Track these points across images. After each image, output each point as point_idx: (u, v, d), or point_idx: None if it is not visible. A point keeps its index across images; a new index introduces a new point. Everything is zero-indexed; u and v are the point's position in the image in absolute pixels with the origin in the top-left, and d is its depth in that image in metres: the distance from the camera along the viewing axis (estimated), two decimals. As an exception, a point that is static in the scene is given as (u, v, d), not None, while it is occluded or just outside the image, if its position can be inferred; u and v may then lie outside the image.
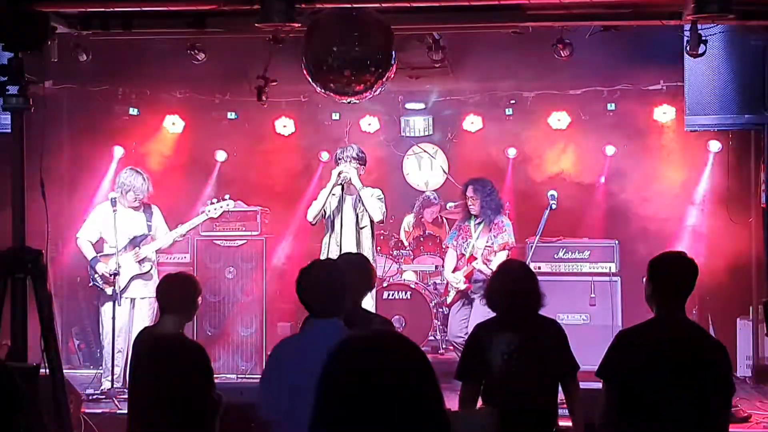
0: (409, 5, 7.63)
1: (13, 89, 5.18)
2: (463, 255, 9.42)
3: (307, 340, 4.65)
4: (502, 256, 9.17)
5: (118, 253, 9.25)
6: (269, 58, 8.53)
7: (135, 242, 9.37)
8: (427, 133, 12.27)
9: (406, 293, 10.81)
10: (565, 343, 5.53)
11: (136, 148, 11.66)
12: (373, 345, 2.13)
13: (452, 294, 9.52)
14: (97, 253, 9.32)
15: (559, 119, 11.65)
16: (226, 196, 9.89)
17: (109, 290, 9.18)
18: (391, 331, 2.23)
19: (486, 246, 9.31)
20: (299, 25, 7.45)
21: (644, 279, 4.88)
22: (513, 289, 5.51)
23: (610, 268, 10.58)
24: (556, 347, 5.49)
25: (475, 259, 9.32)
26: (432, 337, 10.86)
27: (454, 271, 9.52)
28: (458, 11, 7.88)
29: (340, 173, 8.76)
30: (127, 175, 9.44)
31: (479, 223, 9.41)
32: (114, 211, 9.29)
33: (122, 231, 9.31)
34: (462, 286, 9.38)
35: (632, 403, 4.69)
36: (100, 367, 9.47)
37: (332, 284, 4.73)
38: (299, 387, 4.28)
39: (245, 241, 10.91)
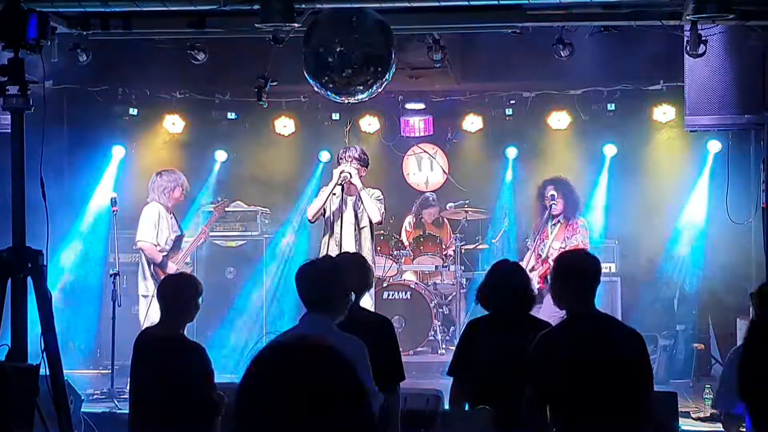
0: (409, 5, 7.63)
1: (13, 89, 5.18)
2: (540, 256, 9.20)
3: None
4: None
5: (113, 256, 9.24)
6: (269, 58, 8.53)
7: (179, 243, 9.35)
8: (427, 133, 12.27)
9: (406, 293, 10.81)
10: None
11: (136, 148, 11.66)
12: (284, 355, 2.01)
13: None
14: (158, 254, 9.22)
15: (559, 119, 11.64)
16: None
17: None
18: (311, 342, 2.06)
19: (561, 247, 9.13)
20: (299, 25, 7.45)
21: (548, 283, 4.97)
22: (503, 287, 5.54)
23: (610, 268, 10.59)
24: None
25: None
26: (432, 337, 10.85)
27: (530, 271, 9.14)
28: (458, 11, 7.88)
29: (341, 173, 8.78)
30: (166, 175, 9.36)
31: (555, 224, 9.24)
32: (114, 212, 9.28)
33: (167, 232, 9.27)
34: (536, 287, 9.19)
35: (556, 403, 4.76)
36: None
37: (328, 280, 4.76)
38: None
39: (245, 241, 10.91)
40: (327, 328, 4.63)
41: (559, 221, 9.23)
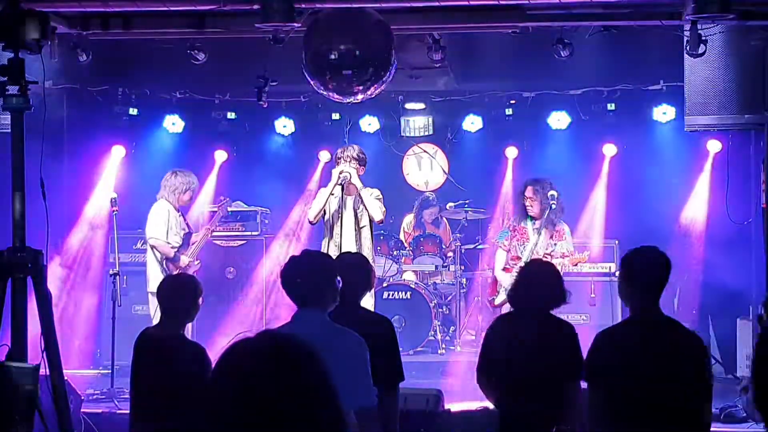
0: (409, 5, 7.64)
1: (13, 89, 5.19)
2: (518, 257, 8.91)
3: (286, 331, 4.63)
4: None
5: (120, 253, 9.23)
6: (269, 58, 8.53)
7: (187, 240, 9.34)
8: (427, 133, 12.27)
9: (406, 293, 10.81)
10: (576, 345, 5.55)
11: (136, 148, 11.66)
12: (250, 353, 1.99)
13: (502, 295, 8.98)
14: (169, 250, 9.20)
15: (559, 119, 11.64)
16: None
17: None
18: (278, 336, 2.02)
19: (546, 254, 8.93)
20: (299, 25, 7.46)
21: (617, 274, 4.91)
22: (527, 285, 5.58)
23: (610, 268, 10.59)
24: (567, 348, 5.51)
25: None
26: (432, 337, 10.85)
27: (504, 271, 9.09)
28: (458, 11, 7.89)
29: (340, 173, 8.76)
30: (182, 176, 9.32)
31: (539, 229, 8.93)
32: (114, 211, 9.28)
33: (176, 230, 9.28)
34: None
35: (616, 404, 4.73)
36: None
37: (317, 274, 4.71)
38: None
39: (245, 241, 10.91)
40: (321, 322, 4.60)
41: (544, 226, 8.98)
